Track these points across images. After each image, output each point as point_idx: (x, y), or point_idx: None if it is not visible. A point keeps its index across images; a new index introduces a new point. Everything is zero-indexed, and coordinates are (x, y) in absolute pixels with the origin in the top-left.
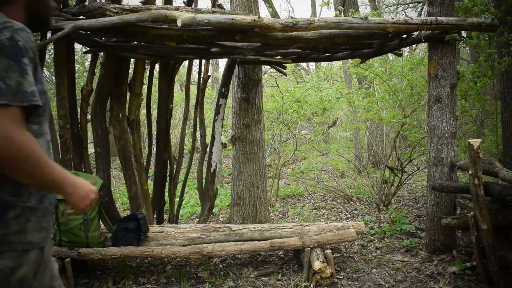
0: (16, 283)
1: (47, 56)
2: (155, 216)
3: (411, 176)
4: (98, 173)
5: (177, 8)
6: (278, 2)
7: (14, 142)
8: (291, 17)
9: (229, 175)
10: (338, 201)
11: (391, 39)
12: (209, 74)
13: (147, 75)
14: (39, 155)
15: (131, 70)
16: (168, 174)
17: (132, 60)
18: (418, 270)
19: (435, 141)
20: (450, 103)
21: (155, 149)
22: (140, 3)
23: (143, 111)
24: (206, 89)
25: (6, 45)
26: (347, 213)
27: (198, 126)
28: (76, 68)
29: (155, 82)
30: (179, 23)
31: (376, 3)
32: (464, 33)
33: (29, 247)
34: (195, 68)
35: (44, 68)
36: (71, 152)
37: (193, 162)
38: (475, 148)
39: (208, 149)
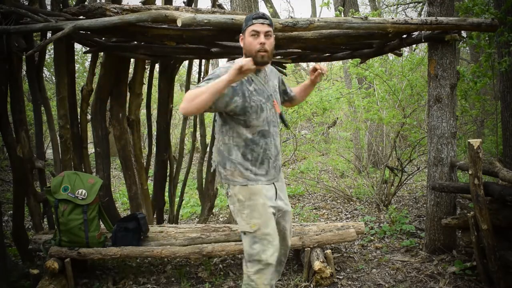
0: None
1: (47, 56)
2: (155, 216)
3: (411, 176)
4: (98, 173)
5: (177, 8)
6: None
7: None
8: (291, 17)
9: None
10: (338, 201)
11: (391, 39)
12: None
13: (147, 75)
14: None
15: (131, 70)
16: (168, 174)
17: (132, 60)
18: (418, 270)
19: (435, 141)
20: (450, 103)
21: (155, 149)
22: (140, 3)
23: (143, 111)
24: None
25: None
26: (347, 213)
27: (198, 126)
28: (76, 68)
29: (155, 82)
30: (179, 23)
31: (376, 3)
32: (464, 33)
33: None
34: (195, 68)
35: (44, 68)
36: (71, 152)
37: (193, 162)
38: (475, 148)
39: (208, 149)
